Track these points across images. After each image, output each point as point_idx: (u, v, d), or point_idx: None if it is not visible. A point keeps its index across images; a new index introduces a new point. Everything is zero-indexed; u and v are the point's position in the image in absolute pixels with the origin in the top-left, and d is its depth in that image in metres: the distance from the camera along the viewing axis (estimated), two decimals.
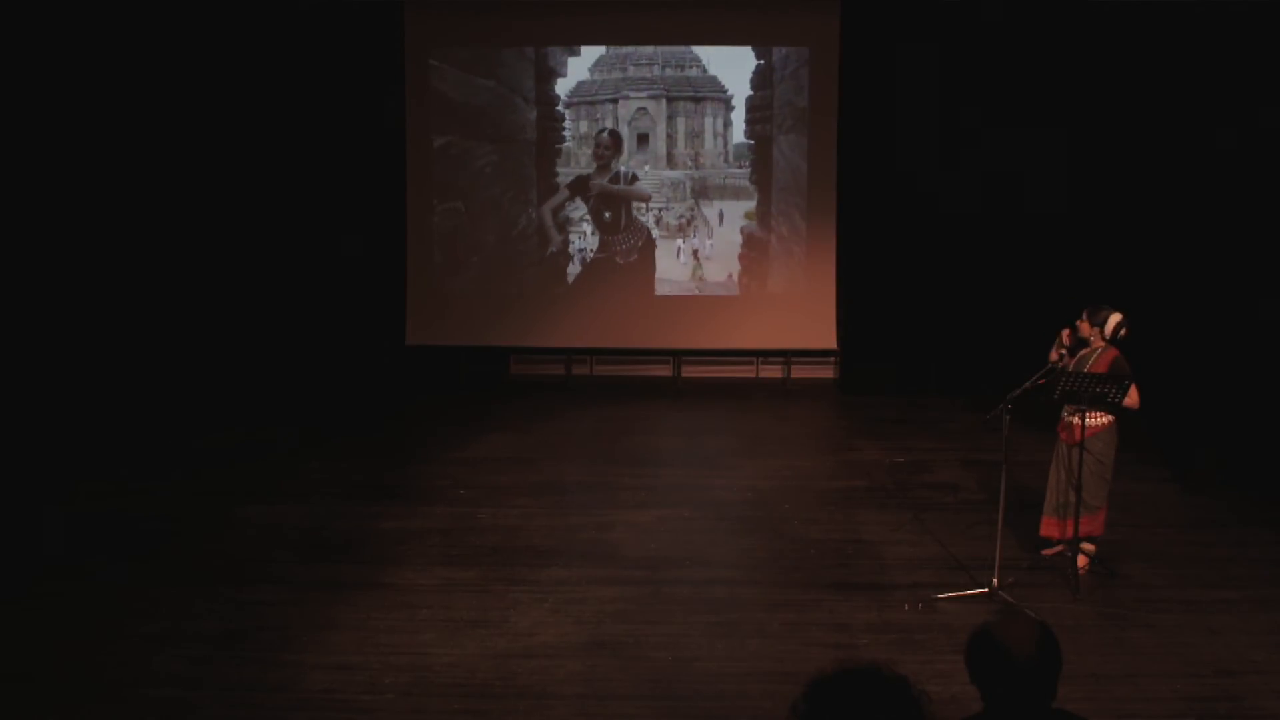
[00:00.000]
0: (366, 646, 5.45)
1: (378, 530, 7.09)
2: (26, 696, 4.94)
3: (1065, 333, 6.32)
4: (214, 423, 9.77)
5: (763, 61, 11.13)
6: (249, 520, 7.26)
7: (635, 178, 11.20)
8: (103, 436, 9.14)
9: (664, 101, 11.17)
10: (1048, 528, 6.36)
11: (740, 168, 11.25)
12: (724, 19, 11.04)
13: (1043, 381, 6.11)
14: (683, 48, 11.14)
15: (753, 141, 11.21)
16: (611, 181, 11.17)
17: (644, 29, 11.15)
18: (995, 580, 5.92)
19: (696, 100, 11.19)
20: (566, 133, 11.26)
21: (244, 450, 8.91)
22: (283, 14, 10.69)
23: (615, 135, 11.16)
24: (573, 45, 11.19)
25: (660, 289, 11.35)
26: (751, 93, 11.17)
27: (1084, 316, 6.24)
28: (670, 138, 11.23)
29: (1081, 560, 6.24)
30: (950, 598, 5.96)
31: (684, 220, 11.29)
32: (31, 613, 5.80)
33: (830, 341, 11.37)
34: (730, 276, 11.37)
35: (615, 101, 11.16)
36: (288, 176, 11.00)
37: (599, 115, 11.24)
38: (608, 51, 11.18)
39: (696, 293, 11.37)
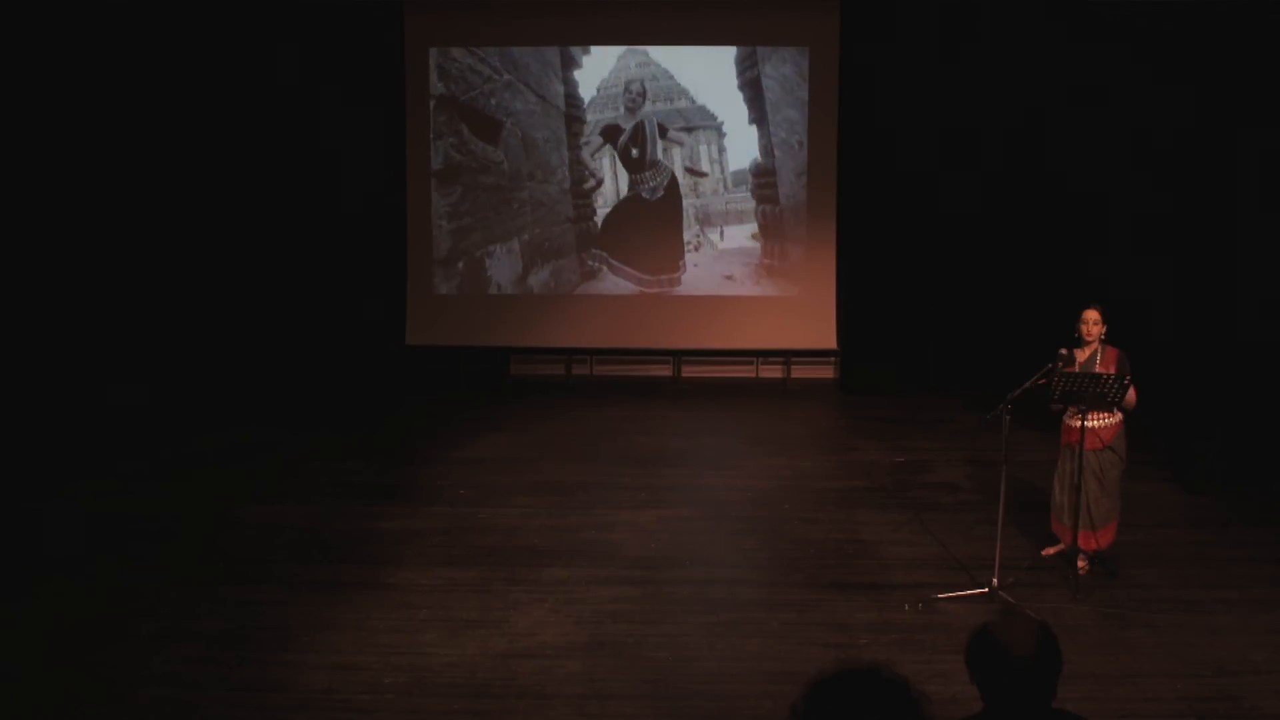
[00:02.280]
0: (366, 646, 5.45)
1: (378, 530, 7.09)
2: (26, 696, 4.94)
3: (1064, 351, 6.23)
4: (214, 423, 9.78)
5: (746, 71, 11.13)
6: (249, 520, 7.26)
7: (665, 127, 11.20)
8: (102, 436, 9.14)
9: (658, 139, 11.22)
10: (1084, 540, 6.26)
11: (742, 191, 11.25)
12: (724, 19, 11.04)
13: (1042, 381, 6.10)
14: (670, 81, 11.18)
15: (760, 154, 11.20)
16: (636, 129, 11.20)
17: (643, 28, 11.14)
18: (995, 580, 5.92)
19: (689, 131, 11.23)
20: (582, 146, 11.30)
21: (244, 450, 8.91)
22: (283, 13, 10.69)
23: (642, 85, 11.16)
24: (572, 44, 11.19)
25: (698, 230, 11.29)
26: (751, 93, 11.17)
27: (1098, 315, 6.16)
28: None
29: (1082, 561, 6.24)
30: (950, 598, 5.96)
31: (691, 246, 11.33)
32: (31, 613, 5.80)
33: (830, 341, 11.38)
34: (731, 276, 11.36)
35: (608, 141, 11.24)
36: (287, 176, 11.01)
37: (596, 153, 11.29)
38: (598, 93, 11.18)
39: (697, 293, 11.37)
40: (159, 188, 10.74)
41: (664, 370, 11.73)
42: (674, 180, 11.30)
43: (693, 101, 11.22)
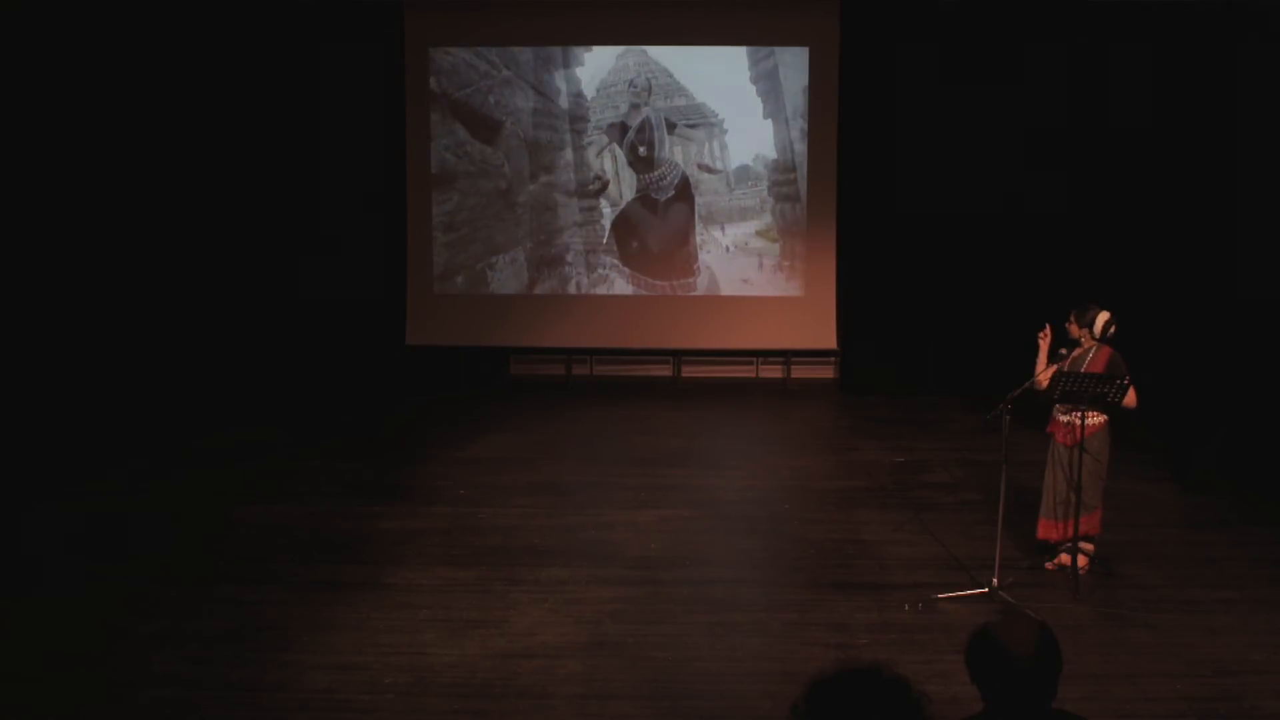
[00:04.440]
0: (366, 646, 5.45)
1: (378, 530, 7.09)
2: (26, 696, 4.94)
3: (1044, 337, 6.32)
4: (214, 423, 9.77)
5: (761, 61, 11.12)
6: (249, 520, 7.26)
7: (672, 123, 11.06)
8: (102, 436, 9.13)
9: (665, 136, 11.10)
10: (1045, 529, 6.34)
11: (743, 189, 11.18)
12: (724, 18, 11.03)
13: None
14: (668, 79, 11.10)
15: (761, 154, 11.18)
16: (642, 126, 11.00)
17: (643, 28, 11.12)
18: (995, 580, 5.92)
19: (692, 126, 11.17)
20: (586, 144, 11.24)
21: (244, 450, 8.90)
22: (283, 13, 10.69)
23: (646, 81, 10.98)
24: (571, 44, 11.18)
25: (701, 229, 11.14)
26: (767, 85, 11.10)
27: (1071, 318, 6.27)
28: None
29: (1081, 560, 6.24)
30: (950, 598, 5.96)
31: (701, 248, 11.29)
32: (31, 613, 5.80)
33: (830, 341, 11.37)
34: (748, 280, 11.32)
35: (613, 140, 11.14)
36: (287, 175, 11.00)
37: (600, 153, 11.20)
38: (598, 93, 11.11)
39: (701, 294, 11.35)
40: (159, 187, 10.72)
41: (664, 370, 11.73)
42: (685, 179, 11.16)
43: (691, 99, 11.18)
